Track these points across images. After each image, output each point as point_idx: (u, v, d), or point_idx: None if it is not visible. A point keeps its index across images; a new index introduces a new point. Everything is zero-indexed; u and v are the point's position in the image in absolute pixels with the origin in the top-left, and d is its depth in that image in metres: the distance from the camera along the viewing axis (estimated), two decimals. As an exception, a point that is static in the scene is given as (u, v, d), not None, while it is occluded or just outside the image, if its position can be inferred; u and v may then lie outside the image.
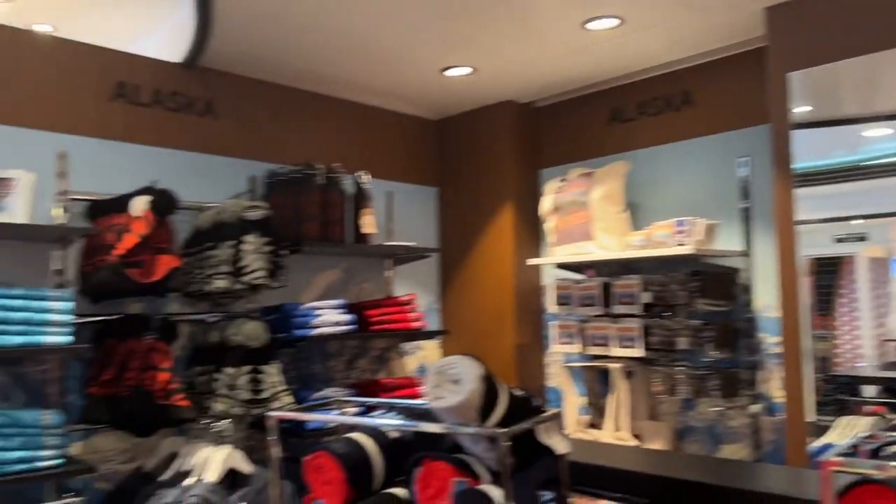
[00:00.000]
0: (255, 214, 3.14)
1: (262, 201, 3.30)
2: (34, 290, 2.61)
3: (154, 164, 3.37)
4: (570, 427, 3.84)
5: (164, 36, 3.56)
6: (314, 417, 2.64)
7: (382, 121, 4.41)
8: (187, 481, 2.78)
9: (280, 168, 3.66)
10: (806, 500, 1.74)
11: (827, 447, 2.80)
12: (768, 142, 3.12)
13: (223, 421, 2.99)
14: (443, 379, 1.71)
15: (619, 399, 3.65)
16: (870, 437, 1.67)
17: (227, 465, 2.87)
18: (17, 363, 2.90)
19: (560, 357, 4.16)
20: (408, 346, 4.36)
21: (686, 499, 1.98)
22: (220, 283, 3.07)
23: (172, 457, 3.00)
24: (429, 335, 4.23)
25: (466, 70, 3.81)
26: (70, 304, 2.66)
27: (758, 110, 3.37)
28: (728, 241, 3.52)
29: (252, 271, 3.06)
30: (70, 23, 3.40)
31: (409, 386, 3.84)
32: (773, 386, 3.39)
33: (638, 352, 3.53)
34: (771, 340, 3.39)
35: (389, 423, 2.04)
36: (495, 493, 1.66)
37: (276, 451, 2.02)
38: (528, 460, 1.75)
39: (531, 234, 4.35)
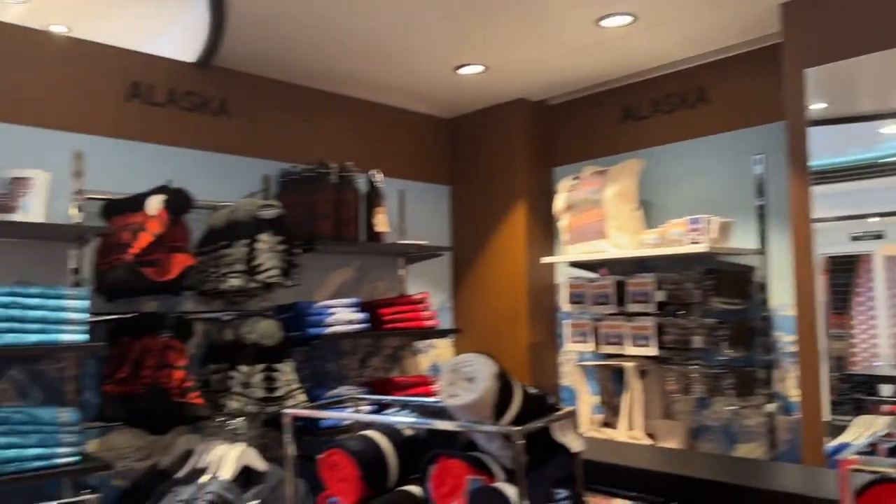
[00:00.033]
0: (268, 213, 3.15)
1: (275, 200, 3.31)
2: (51, 289, 2.63)
3: (169, 163, 3.39)
4: (584, 426, 3.83)
5: (178, 36, 3.58)
6: (329, 415, 2.65)
7: (395, 119, 4.42)
8: (202, 479, 2.80)
9: (293, 167, 3.67)
10: (823, 499, 1.73)
11: (843, 446, 2.78)
12: (783, 139, 3.10)
13: (238, 419, 3.00)
14: (457, 377, 1.71)
15: (633, 398, 3.63)
16: (887, 435, 1.66)
17: (241, 463, 2.89)
18: (34, 361, 2.92)
19: (573, 356, 4.15)
20: (421, 344, 4.36)
21: (701, 498, 1.96)
22: (235, 282, 3.08)
23: (188, 454, 3.02)
24: (442, 334, 4.23)
25: (479, 68, 3.81)
26: (86, 303, 2.68)
27: (773, 107, 3.35)
28: (743, 239, 3.50)
29: (266, 270, 3.07)
30: (85, 23, 3.43)
31: (422, 384, 3.84)
32: (789, 385, 3.36)
33: (652, 350, 3.52)
34: (786, 339, 3.36)
35: (404, 420, 2.04)
36: (510, 491, 1.65)
37: (291, 449, 2.03)
38: (543, 458, 1.74)
39: (544, 232, 4.35)
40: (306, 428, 3.24)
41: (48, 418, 2.57)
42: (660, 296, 3.52)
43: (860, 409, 2.89)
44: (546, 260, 4.08)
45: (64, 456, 2.57)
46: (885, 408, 2.84)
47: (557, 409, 1.81)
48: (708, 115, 3.72)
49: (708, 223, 3.33)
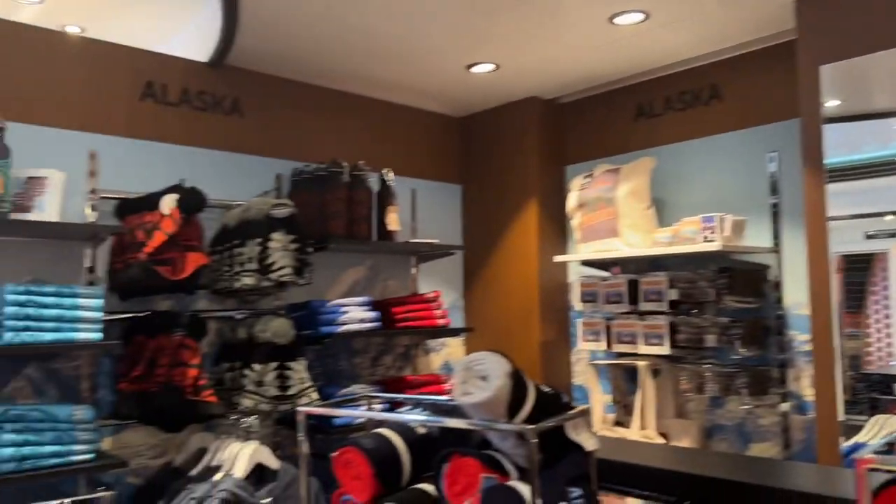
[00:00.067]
0: (281, 212, 3.16)
1: (288, 199, 3.32)
2: (66, 288, 2.65)
3: (182, 162, 3.41)
4: (596, 425, 3.82)
5: (191, 35, 3.59)
6: (344, 413, 2.65)
7: (407, 118, 4.42)
8: (216, 476, 2.81)
9: (306, 166, 3.68)
10: (839, 498, 1.72)
11: (858, 446, 2.76)
12: (797, 136, 3.07)
13: (251, 417, 3.02)
14: (470, 375, 1.71)
15: (646, 397, 3.62)
16: (904, 435, 1.65)
17: (254, 461, 2.89)
18: (49, 359, 2.95)
19: (586, 354, 4.14)
20: (433, 343, 4.36)
21: (715, 497, 1.95)
22: (248, 281, 3.09)
23: (201, 452, 3.03)
24: (453, 332, 4.24)
25: (490, 67, 3.80)
26: (100, 301, 2.70)
27: (787, 104, 3.33)
28: (757, 238, 3.48)
29: (279, 268, 3.08)
30: (99, 24, 3.45)
31: (434, 383, 3.84)
32: (803, 384, 3.34)
33: (665, 349, 3.51)
34: (801, 338, 3.34)
35: (418, 418, 2.04)
36: (524, 489, 1.65)
37: (305, 447, 2.03)
38: (556, 457, 1.74)
39: (556, 231, 4.34)
40: (318, 426, 3.25)
41: (64, 416, 2.59)
42: (673, 294, 3.51)
43: (875, 408, 2.87)
44: (558, 258, 4.07)
45: (79, 453, 2.59)
46: (902, 407, 2.82)
47: (571, 408, 1.80)
48: (721, 112, 3.70)
49: (721, 221, 3.31)
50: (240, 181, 3.59)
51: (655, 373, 3.68)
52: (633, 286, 3.66)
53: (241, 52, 3.46)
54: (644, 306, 3.61)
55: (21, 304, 2.52)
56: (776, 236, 3.46)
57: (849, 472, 1.96)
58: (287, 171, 3.72)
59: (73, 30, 3.40)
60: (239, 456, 2.87)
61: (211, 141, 3.53)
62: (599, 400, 3.94)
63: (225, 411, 3.03)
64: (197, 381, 2.89)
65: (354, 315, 3.54)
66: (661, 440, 3.56)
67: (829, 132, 2.94)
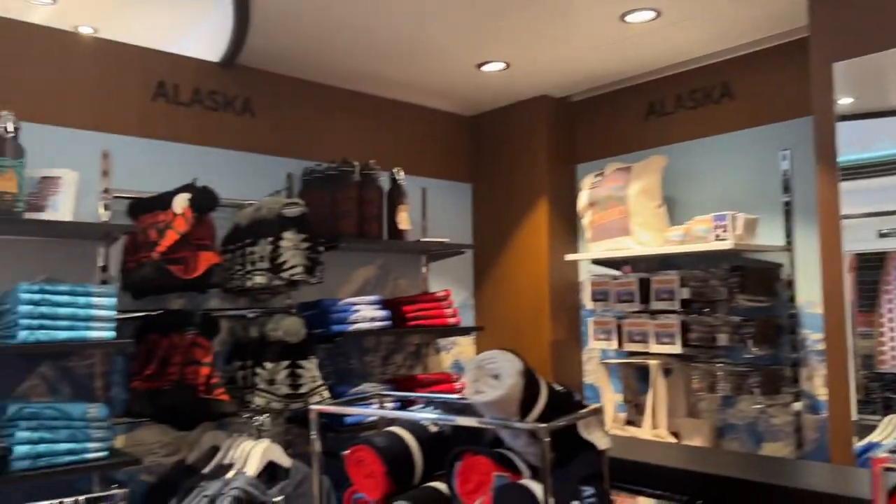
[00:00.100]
0: (292, 211, 3.16)
1: (299, 198, 3.33)
2: (79, 287, 2.67)
3: (194, 162, 3.42)
4: (608, 424, 3.81)
5: (202, 36, 3.61)
6: (356, 411, 2.66)
7: (417, 117, 4.42)
8: (228, 474, 2.82)
9: (317, 165, 3.69)
10: (854, 498, 1.71)
11: (872, 446, 2.74)
12: (810, 134, 3.06)
13: (262, 415, 3.03)
14: (482, 373, 1.71)
15: (657, 396, 3.61)
16: (920, 434, 1.64)
17: (266, 459, 2.90)
18: (63, 357, 2.97)
19: (597, 353, 4.13)
20: (443, 342, 4.36)
21: (727, 496, 1.95)
22: (259, 279, 3.10)
23: (214, 450, 3.05)
24: (464, 331, 4.24)
25: (501, 65, 3.80)
26: (113, 300, 2.72)
27: (799, 102, 3.31)
28: (769, 236, 3.47)
29: (290, 267, 3.09)
30: (111, 24, 3.47)
31: (445, 382, 3.85)
32: (816, 383, 3.33)
33: (676, 348, 3.49)
34: (814, 337, 3.32)
35: (431, 416, 2.04)
36: (536, 487, 1.65)
37: (317, 445, 2.04)
38: (569, 455, 1.74)
39: (567, 229, 4.33)
40: (329, 425, 3.26)
41: (78, 414, 2.61)
42: (684, 293, 3.50)
43: (889, 408, 2.85)
44: (569, 257, 4.07)
45: (93, 451, 2.61)
46: (916, 407, 2.80)
47: (583, 407, 1.80)
48: (733, 110, 3.69)
49: (733, 220, 3.29)
50: (251, 180, 3.60)
51: (667, 372, 3.67)
52: (645, 285, 3.65)
53: (253, 52, 3.47)
54: (655, 305, 3.59)
55: (35, 303, 2.54)
56: (789, 235, 3.44)
57: (863, 472, 1.95)
58: (298, 171, 3.73)
59: (85, 30, 3.42)
60: (251, 454, 2.88)
61: (222, 141, 3.55)
62: (610, 399, 3.93)
63: (237, 409, 3.04)
64: (209, 379, 2.90)
65: (365, 314, 3.54)
66: (672, 439, 3.55)
67: (842, 130, 2.92)
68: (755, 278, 3.39)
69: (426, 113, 4.47)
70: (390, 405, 2.60)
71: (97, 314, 2.67)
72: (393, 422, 2.10)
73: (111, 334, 2.69)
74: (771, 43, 3.51)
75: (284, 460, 2.97)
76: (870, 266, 2.97)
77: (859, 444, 2.79)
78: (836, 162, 2.91)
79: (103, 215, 3.06)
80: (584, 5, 3.11)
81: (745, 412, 3.56)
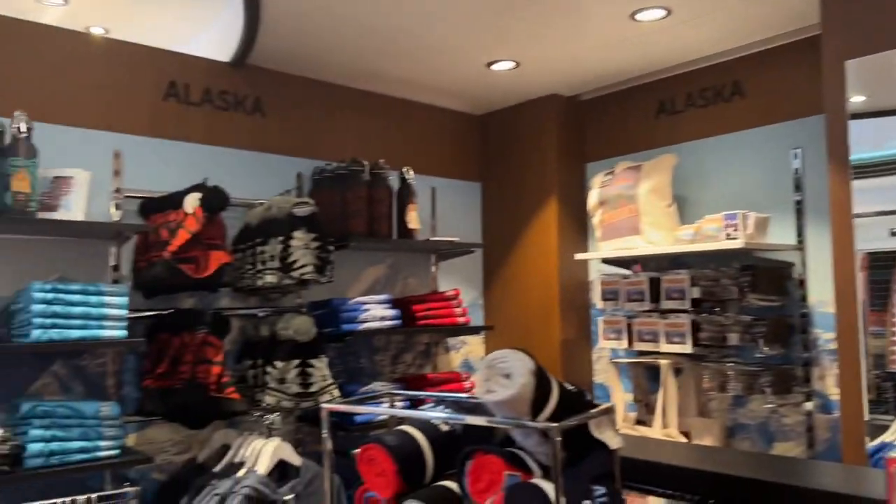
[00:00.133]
0: (302, 211, 3.17)
1: (309, 198, 3.34)
2: (91, 286, 2.69)
3: (204, 161, 3.43)
4: (618, 423, 3.80)
5: (212, 36, 3.62)
6: (368, 410, 2.66)
7: (426, 116, 4.42)
8: (239, 472, 2.83)
9: (327, 164, 3.70)
10: (867, 498, 1.70)
11: (885, 446, 2.73)
12: (822, 132, 3.04)
13: (273, 414, 3.04)
14: (493, 373, 1.71)
15: (668, 395, 3.60)
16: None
17: (276, 457, 2.92)
18: (76, 356, 2.98)
19: (607, 353, 4.12)
20: (452, 341, 4.37)
21: (739, 496, 1.94)
22: (270, 279, 3.11)
23: (225, 448, 3.06)
24: (473, 330, 4.24)
25: (510, 64, 3.80)
26: (125, 299, 2.74)
27: (811, 100, 3.30)
28: (780, 235, 3.45)
29: (300, 267, 3.10)
30: (122, 25, 3.48)
31: (454, 381, 3.85)
32: (828, 383, 3.31)
33: (687, 347, 3.48)
34: (825, 336, 3.31)
35: (442, 415, 2.04)
36: (548, 487, 1.65)
37: (328, 444, 2.04)
38: (580, 455, 1.74)
39: (576, 228, 4.32)
40: (339, 423, 3.27)
41: (90, 412, 2.63)
42: (695, 292, 3.48)
43: (902, 408, 2.84)
44: (579, 256, 4.06)
45: (105, 449, 2.63)
46: (929, 407, 2.78)
47: (594, 406, 1.80)
48: (744, 108, 3.67)
49: (744, 218, 3.28)
50: (262, 180, 3.61)
51: (677, 371, 3.66)
52: (655, 284, 3.64)
53: (263, 51, 3.48)
54: (666, 304, 3.58)
55: (48, 303, 2.56)
56: (800, 233, 3.42)
57: (876, 472, 1.94)
58: (308, 170, 3.74)
59: (97, 31, 3.43)
60: (262, 452, 2.89)
61: (233, 140, 3.56)
62: (621, 398, 3.92)
63: (248, 408, 3.06)
64: (220, 378, 2.91)
65: (375, 313, 3.55)
66: (682, 439, 3.54)
67: (855, 128, 2.90)
68: (766, 277, 3.38)
69: (436, 112, 4.47)
70: (400, 404, 2.60)
71: (109, 313, 2.69)
72: (403, 421, 2.10)
73: (123, 333, 2.70)
74: (782, 41, 3.49)
75: (295, 459, 2.98)
76: (882, 265, 2.95)
77: (872, 444, 2.78)
78: (849, 160, 2.90)
79: (115, 215, 3.08)
80: (595, 4, 3.10)
81: (756, 412, 3.54)
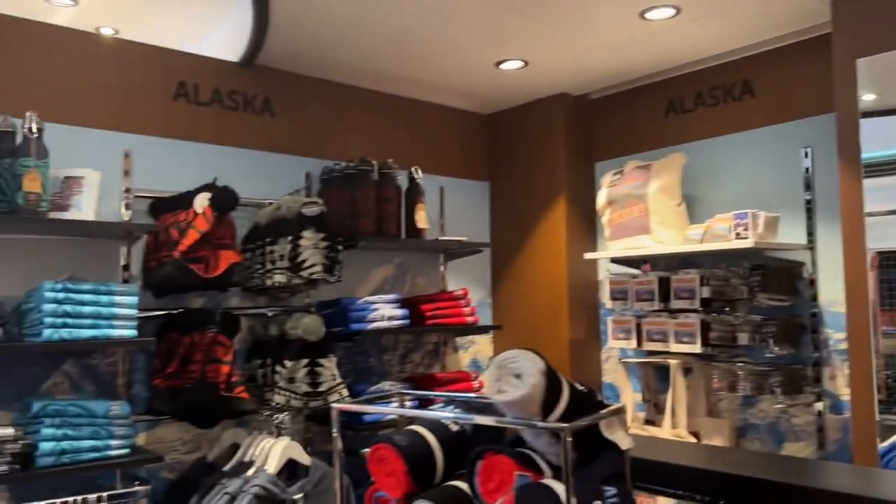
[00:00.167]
0: (311, 210, 3.18)
1: (318, 197, 3.35)
2: (102, 285, 2.70)
3: (214, 161, 3.44)
4: (627, 423, 3.79)
5: (222, 36, 3.63)
6: (378, 410, 2.66)
7: (435, 116, 4.42)
8: (248, 472, 2.84)
9: (335, 164, 3.70)
10: (879, 499, 1.69)
11: (895, 447, 2.71)
12: (832, 131, 3.03)
13: (282, 413, 3.05)
14: (504, 373, 1.71)
15: (677, 395, 3.59)
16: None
17: (286, 457, 2.92)
18: (86, 355, 3.00)
19: (616, 353, 4.11)
20: (461, 340, 4.37)
21: (749, 496, 1.93)
22: (279, 278, 3.12)
23: (234, 447, 3.07)
24: (482, 330, 4.24)
25: (519, 63, 3.79)
26: (135, 299, 2.75)
27: (821, 99, 3.28)
28: (790, 234, 3.43)
29: (309, 266, 3.11)
30: (132, 25, 3.49)
31: (463, 380, 3.85)
32: (839, 383, 3.29)
33: (696, 347, 3.47)
34: (836, 336, 3.29)
35: (452, 415, 2.04)
36: (558, 487, 1.65)
37: (339, 443, 2.05)
38: (591, 455, 1.73)
39: (585, 228, 4.32)
40: (348, 423, 3.28)
41: (101, 411, 2.64)
42: (705, 292, 3.47)
43: (913, 408, 2.82)
44: (588, 256, 4.05)
45: (116, 448, 2.65)
46: (941, 407, 2.76)
47: (605, 406, 1.80)
48: (754, 107, 3.66)
49: (754, 218, 3.27)
50: (271, 180, 3.62)
51: (687, 371, 3.65)
52: (665, 284, 3.63)
53: (272, 51, 3.49)
54: (675, 304, 3.57)
55: (59, 302, 2.58)
56: (810, 233, 3.41)
57: (887, 473, 1.93)
58: (317, 170, 3.75)
59: (107, 31, 3.44)
60: (271, 452, 2.90)
61: (242, 140, 3.57)
62: (630, 398, 3.91)
63: (257, 407, 3.07)
64: (230, 377, 2.92)
65: (384, 312, 3.55)
66: (692, 439, 3.53)
67: (866, 126, 2.89)
68: (776, 277, 3.36)
69: (444, 111, 4.47)
70: (410, 404, 2.60)
71: (120, 313, 2.70)
72: (413, 420, 2.10)
73: (133, 332, 2.72)
74: (792, 39, 3.48)
75: (304, 458, 2.98)
76: (893, 264, 2.94)
77: (883, 445, 2.76)
78: (859, 159, 2.88)
79: (125, 215, 3.09)
80: (603, 2, 3.09)
81: (766, 412, 3.53)
